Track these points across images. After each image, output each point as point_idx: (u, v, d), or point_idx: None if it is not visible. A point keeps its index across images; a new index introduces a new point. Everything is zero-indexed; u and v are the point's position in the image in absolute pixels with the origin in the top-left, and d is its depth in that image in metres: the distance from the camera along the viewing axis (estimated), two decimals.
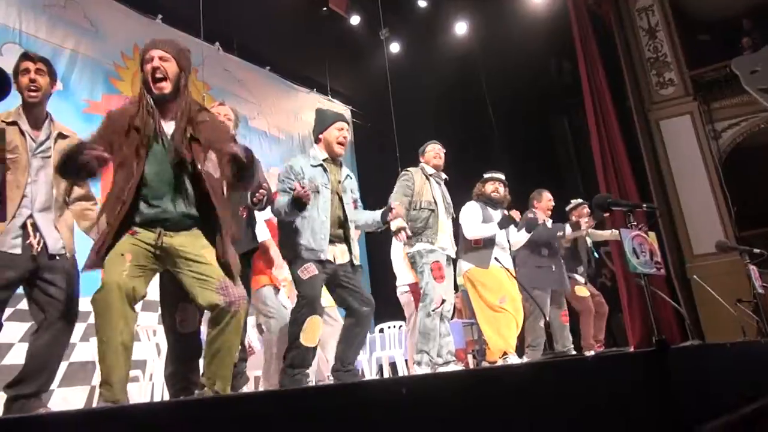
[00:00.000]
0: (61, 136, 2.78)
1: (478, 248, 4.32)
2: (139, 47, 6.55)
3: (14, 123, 2.66)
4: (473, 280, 4.31)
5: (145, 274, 2.22)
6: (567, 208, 5.76)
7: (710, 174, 7.53)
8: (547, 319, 4.51)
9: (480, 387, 1.50)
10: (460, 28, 8.49)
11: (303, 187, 2.91)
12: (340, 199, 3.24)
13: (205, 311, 2.36)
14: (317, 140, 3.32)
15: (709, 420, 2.07)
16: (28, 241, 2.59)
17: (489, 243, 4.35)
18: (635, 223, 2.41)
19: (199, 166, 2.25)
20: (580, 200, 5.75)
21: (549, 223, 5.18)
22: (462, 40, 8.52)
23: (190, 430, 1.12)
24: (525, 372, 1.67)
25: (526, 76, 8.15)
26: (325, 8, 7.83)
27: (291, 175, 3.16)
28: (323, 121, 3.33)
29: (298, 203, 2.92)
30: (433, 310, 3.68)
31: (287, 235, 3.15)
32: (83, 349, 5.32)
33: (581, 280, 5.48)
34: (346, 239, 3.21)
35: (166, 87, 2.28)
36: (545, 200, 5.21)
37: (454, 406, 1.35)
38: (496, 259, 4.28)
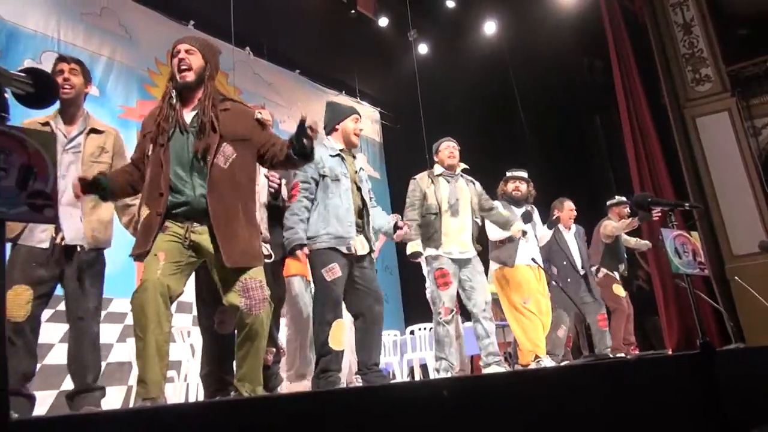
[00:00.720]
0: (94, 131, 2.86)
1: (502, 245, 4.31)
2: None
3: (47, 123, 2.78)
4: (500, 279, 4.29)
5: (180, 270, 2.24)
6: (608, 203, 5.67)
7: (749, 172, 7.30)
8: (588, 322, 4.44)
9: (519, 389, 1.47)
10: (489, 27, 8.42)
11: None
12: (359, 189, 3.24)
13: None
14: (332, 131, 3.29)
15: (756, 425, 1.99)
16: (56, 238, 2.66)
17: (512, 240, 4.31)
18: (676, 223, 2.33)
19: (209, 158, 2.28)
20: (623, 198, 5.66)
21: (573, 230, 5.12)
22: (491, 39, 8.44)
23: (228, 430, 1.12)
24: (566, 374, 1.63)
25: (556, 75, 8.03)
26: (353, 11, 7.85)
27: (311, 164, 3.09)
28: (339, 112, 3.33)
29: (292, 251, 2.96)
30: (441, 319, 3.67)
31: (311, 226, 3.08)
32: (120, 349, 5.43)
33: (617, 276, 5.41)
34: (364, 228, 3.19)
35: (189, 76, 2.35)
36: (567, 209, 5.15)
37: (494, 407, 1.32)
38: (533, 259, 4.23)
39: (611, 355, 4.57)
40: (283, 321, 3.70)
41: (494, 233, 4.29)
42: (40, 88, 1.24)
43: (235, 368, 2.30)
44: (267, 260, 3.16)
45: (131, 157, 2.50)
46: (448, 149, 4.08)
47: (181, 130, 2.31)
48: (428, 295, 3.92)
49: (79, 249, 2.72)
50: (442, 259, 3.78)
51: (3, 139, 1.08)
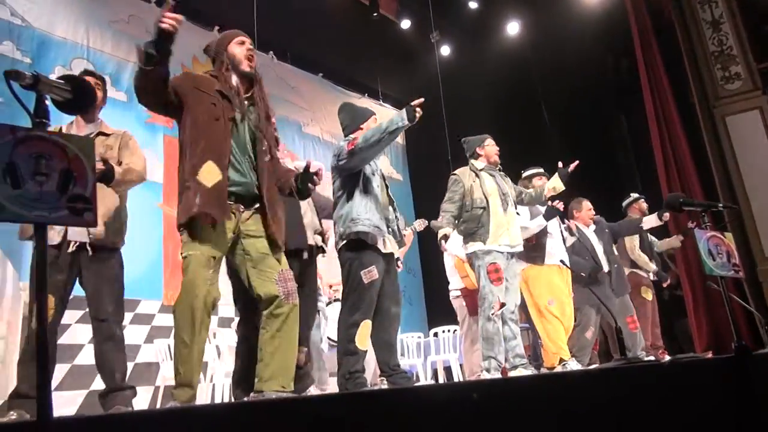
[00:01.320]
0: (102, 134, 2.94)
1: (533, 244, 4.25)
2: (198, 59, 6.82)
3: (60, 131, 2.84)
4: (527, 279, 4.23)
5: (219, 268, 2.28)
6: (624, 203, 5.63)
7: None
8: (618, 324, 4.36)
9: (547, 392, 1.46)
10: (512, 28, 8.37)
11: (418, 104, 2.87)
12: (386, 186, 3.29)
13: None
14: (356, 130, 3.27)
15: None
16: (68, 238, 2.70)
17: (541, 238, 4.27)
18: (710, 224, 2.29)
19: (262, 147, 2.38)
20: (636, 194, 5.62)
21: (593, 227, 5.06)
22: (514, 40, 8.39)
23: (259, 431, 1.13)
24: (596, 377, 1.62)
25: (581, 75, 7.95)
26: (375, 13, 7.88)
27: None
28: (361, 114, 3.38)
29: (412, 117, 2.88)
30: (492, 314, 3.58)
31: (352, 208, 3.04)
32: (148, 350, 5.52)
33: (647, 276, 5.33)
34: (394, 225, 3.21)
35: (254, 67, 2.46)
36: (585, 209, 5.10)
37: (523, 411, 1.31)
38: (561, 261, 4.19)
39: (646, 359, 4.50)
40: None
41: (525, 231, 4.21)
42: (77, 95, 1.28)
43: (260, 368, 2.25)
44: (322, 255, 3.25)
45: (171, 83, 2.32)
46: (494, 146, 4.09)
47: (242, 115, 2.38)
48: (480, 292, 3.76)
49: (89, 250, 2.74)
50: (494, 254, 3.72)
51: (45, 145, 1.11)
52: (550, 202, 4.21)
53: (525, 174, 4.60)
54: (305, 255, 3.33)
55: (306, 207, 3.34)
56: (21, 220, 1.09)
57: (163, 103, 2.29)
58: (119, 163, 2.85)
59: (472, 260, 3.83)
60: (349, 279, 3.02)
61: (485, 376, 3.53)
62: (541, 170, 4.59)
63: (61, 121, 2.91)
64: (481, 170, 3.97)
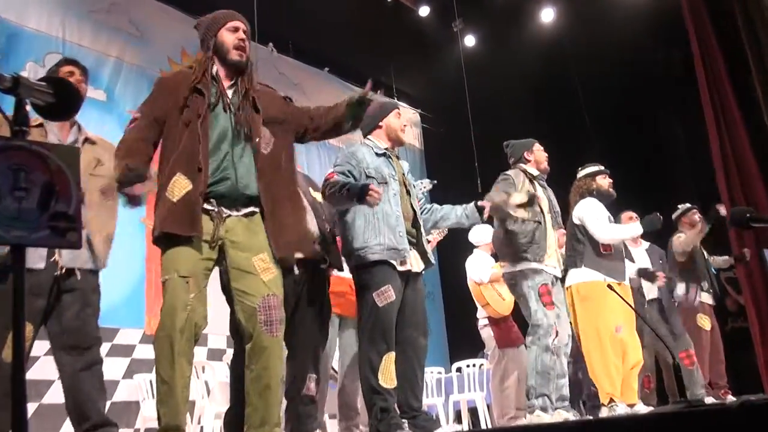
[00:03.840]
0: (89, 141, 2.97)
1: (606, 255, 4.09)
2: (187, 51, 6.93)
3: (40, 125, 2.85)
4: (587, 297, 4.02)
5: (205, 296, 2.30)
6: (674, 215, 5.61)
7: None
8: (676, 360, 4.31)
9: None
10: (547, 15, 8.39)
11: (377, 191, 2.80)
12: (408, 192, 3.23)
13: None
14: (374, 128, 3.28)
15: None
16: (53, 259, 2.71)
17: (618, 251, 4.18)
18: None
19: (256, 139, 2.40)
20: (687, 204, 5.60)
21: (643, 245, 5.04)
22: (549, 28, 8.41)
23: None
24: (649, 424, 1.60)
25: (627, 69, 7.94)
26: None
27: (352, 161, 3.12)
28: (381, 108, 3.33)
29: (361, 196, 2.79)
30: (552, 343, 3.52)
31: (356, 235, 3.03)
32: (127, 387, 5.55)
33: (707, 301, 5.27)
34: (418, 240, 3.16)
35: (245, 57, 2.48)
36: (625, 220, 5.10)
37: None
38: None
39: (708, 400, 4.44)
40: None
41: (607, 231, 4.09)
42: (61, 99, 1.30)
43: (248, 414, 2.27)
44: (322, 266, 3.21)
45: (146, 113, 2.44)
46: (543, 151, 4.05)
47: (224, 107, 2.41)
48: (527, 315, 3.72)
49: (78, 274, 2.76)
50: (545, 275, 3.68)
51: (24, 156, 1.13)
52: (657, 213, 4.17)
53: (593, 168, 4.43)
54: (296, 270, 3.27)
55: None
56: None
57: None
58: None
59: (516, 280, 3.74)
60: (362, 305, 3.01)
61: (535, 417, 3.47)
62: (603, 168, 4.46)
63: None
64: (535, 177, 3.93)
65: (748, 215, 2.18)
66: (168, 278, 2.23)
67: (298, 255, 2.47)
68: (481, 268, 4.90)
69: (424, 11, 8.42)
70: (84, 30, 6.18)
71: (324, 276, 3.30)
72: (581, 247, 4.09)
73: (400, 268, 3.02)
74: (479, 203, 3.35)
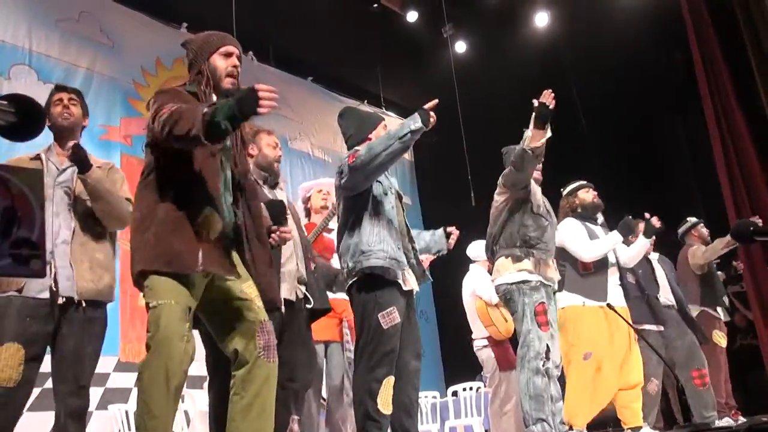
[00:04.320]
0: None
1: (586, 275, 4.18)
2: (161, 61, 6.93)
3: (37, 157, 2.94)
4: (562, 324, 4.11)
5: (192, 325, 2.28)
6: (680, 230, 5.64)
7: None
8: (680, 383, 4.32)
9: None
10: (541, 19, 8.45)
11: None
12: (402, 208, 3.27)
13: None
14: (363, 141, 3.27)
15: None
16: (54, 287, 2.74)
17: (602, 267, 4.24)
18: None
19: (243, 181, 2.45)
20: (694, 219, 5.65)
21: (655, 256, 5.06)
22: (544, 33, 8.47)
23: None
24: None
25: (625, 73, 8.00)
26: (375, 4, 7.97)
27: None
28: (368, 121, 3.37)
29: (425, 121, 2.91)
30: (543, 366, 3.51)
31: (360, 240, 3.03)
32: (101, 418, 5.47)
33: (722, 317, 5.29)
34: (415, 257, 3.19)
35: (237, 86, 2.45)
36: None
37: None
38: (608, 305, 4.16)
39: (718, 423, 4.43)
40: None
41: (589, 249, 4.17)
42: (23, 117, 1.29)
43: None
44: (307, 305, 3.20)
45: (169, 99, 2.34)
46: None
47: (226, 145, 2.40)
48: (520, 333, 3.71)
49: (78, 302, 2.79)
50: (543, 292, 3.66)
51: None
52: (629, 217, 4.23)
53: (573, 185, 4.54)
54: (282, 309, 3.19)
55: (291, 252, 3.21)
56: None
57: None
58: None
59: (512, 294, 3.70)
60: (364, 326, 2.99)
61: None
62: (585, 182, 4.56)
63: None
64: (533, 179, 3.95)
65: (751, 228, 2.19)
66: (163, 303, 2.15)
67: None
68: (489, 286, 4.88)
69: (412, 17, 8.46)
70: (52, 40, 6.17)
71: (306, 316, 3.28)
72: (562, 270, 4.16)
73: (405, 288, 3.04)
74: (448, 228, 3.37)
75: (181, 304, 2.17)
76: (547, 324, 3.61)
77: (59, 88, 3.10)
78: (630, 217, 4.27)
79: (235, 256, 2.39)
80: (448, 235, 3.39)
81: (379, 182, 3.14)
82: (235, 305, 2.31)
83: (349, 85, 9.02)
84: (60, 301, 2.74)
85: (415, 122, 2.92)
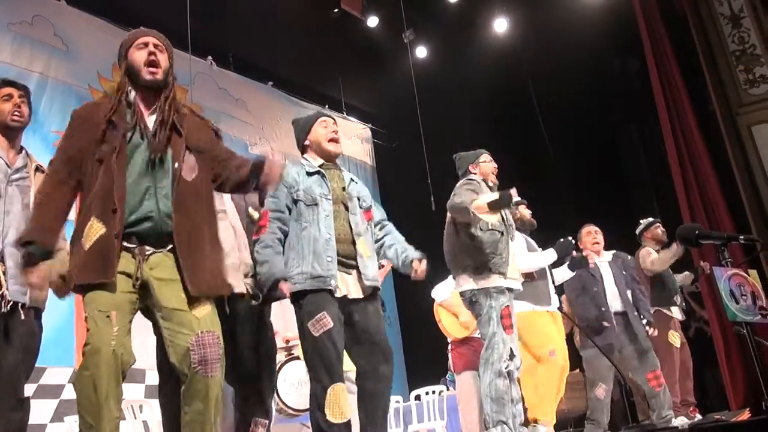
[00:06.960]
0: (40, 169, 2.95)
1: (528, 282, 4.27)
2: (102, 75, 6.81)
3: None
4: (521, 326, 4.15)
5: (129, 331, 2.25)
6: (638, 231, 5.76)
7: None
8: (626, 387, 4.46)
9: None
10: (500, 25, 8.52)
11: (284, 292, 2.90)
12: (347, 208, 3.17)
13: None
14: (305, 149, 3.30)
15: None
16: (1, 291, 2.66)
17: (542, 275, 4.40)
18: (730, 260, 2.35)
19: (176, 164, 2.36)
20: (650, 219, 5.76)
21: (606, 257, 5.16)
22: (503, 39, 8.54)
23: None
24: None
25: (583, 80, 8.13)
26: (336, 9, 7.96)
27: (283, 191, 3.06)
28: (304, 124, 3.33)
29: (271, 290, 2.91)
30: (505, 369, 3.55)
31: (285, 262, 3.02)
32: (56, 431, 5.37)
33: (677, 316, 5.40)
34: (357, 263, 3.09)
35: (159, 74, 2.43)
36: (584, 234, 5.27)
37: None
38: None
39: (674, 422, 4.54)
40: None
41: (525, 261, 4.26)
42: None
43: None
44: (254, 302, 3.10)
45: (63, 150, 2.38)
46: (491, 162, 4.11)
47: (141, 135, 2.37)
48: (483, 336, 3.75)
49: (21, 309, 2.72)
50: (507, 295, 3.71)
51: None
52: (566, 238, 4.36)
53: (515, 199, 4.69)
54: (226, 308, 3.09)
55: (233, 243, 3.12)
56: None
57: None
58: None
59: (477, 298, 3.71)
60: (301, 339, 3.00)
61: None
62: (521, 199, 4.71)
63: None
64: (491, 189, 3.95)
65: (696, 232, 2.25)
66: (88, 315, 2.18)
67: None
68: (445, 288, 4.91)
69: (372, 22, 8.47)
70: (3, 44, 6.03)
71: (258, 311, 3.21)
72: None
73: (337, 295, 2.99)
74: (414, 264, 3.24)
75: (105, 310, 2.17)
76: (511, 327, 3.67)
77: (7, 83, 3.00)
78: (570, 239, 4.41)
79: (169, 258, 2.32)
80: (413, 267, 3.25)
81: (299, 200, 3.07)
82: (172, 315, 2.26)
83: (309, 89, 8.99)
84: (4, 309, 2.66)
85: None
